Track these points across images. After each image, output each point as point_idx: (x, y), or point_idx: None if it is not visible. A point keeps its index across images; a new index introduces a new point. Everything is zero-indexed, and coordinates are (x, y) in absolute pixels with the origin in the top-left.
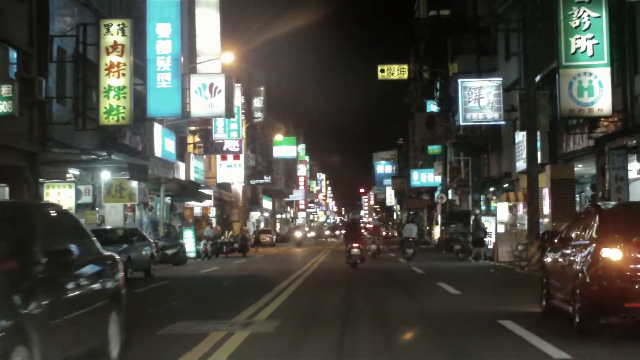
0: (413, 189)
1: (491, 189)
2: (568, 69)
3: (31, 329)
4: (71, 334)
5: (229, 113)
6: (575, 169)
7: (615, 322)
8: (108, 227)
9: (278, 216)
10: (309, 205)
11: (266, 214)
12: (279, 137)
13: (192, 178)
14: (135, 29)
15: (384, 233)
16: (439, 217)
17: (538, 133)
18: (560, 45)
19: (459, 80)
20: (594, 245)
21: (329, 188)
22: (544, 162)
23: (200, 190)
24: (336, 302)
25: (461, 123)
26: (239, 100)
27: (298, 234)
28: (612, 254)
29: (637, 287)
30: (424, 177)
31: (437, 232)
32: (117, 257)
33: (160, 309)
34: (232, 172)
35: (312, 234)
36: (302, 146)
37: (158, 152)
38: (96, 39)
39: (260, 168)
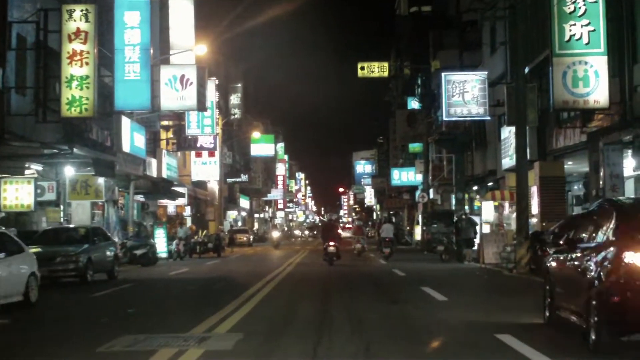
0: (393, 188)
1: (475, 188)
2: (562, 58)
3: None
4: None
5: (201, 106)
6: (565, 166)
7: None
8: (70, 226)
9: (256, 215)
10: (288, 204)
11: (244, 213)
12: (256, 134)
13: (164, 175)
14: (103, 17)
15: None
16: (420, 216)
17: (527, 128)
18: (554, 32)
19: (443, 74)
20: (614, 248)
21: (309, 188)
22: (533, 159)
23: (173, 188)
24: (310, 309)
25: (445, 118)
26: (213, 94)
27: (275, 234)
28: (638, 258)
29: None
30: (405, 176)
31: (418, 232)
32: None
33: (112, 317)
34: (207, 170)
35: (291, 233)
36: (280, 145)
37: (126, 147)
38: (58, 26)
39: (237, 166)
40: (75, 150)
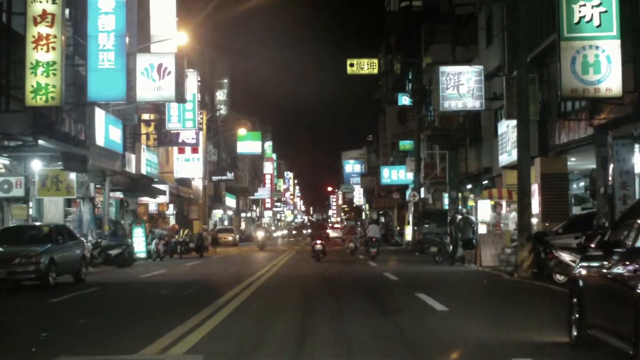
0: (383, 187)
1: (468, 186)
2: (570, 42)
3: None
4: None
5: (180, 97)
6: (568, 163)
7: None
8: (33, 224)
9: (243, 215)
10: (276, 204)
11: (230, 213)
12: (242, 131)
13: (143, 171)
14: (78, 1)
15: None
16: (411, 216)
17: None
18: (562, 14)
19: (438, 66)
20: None
21: (297, 187)
22: (533, 155)
23: (154, 185)
24: (289, 323)
25: (440, 109)
26: (195, 87)
27: (260, 234)
28: None
29: None
30: (395, 175)
31: (408, 232)
32: None
33: (58, 330)
34: (190, 167)
35: (279, 233)
36: (268, 143)
37: (100, 141)
38: (23, 8)
39: (224, 164)
40: (41, 142)
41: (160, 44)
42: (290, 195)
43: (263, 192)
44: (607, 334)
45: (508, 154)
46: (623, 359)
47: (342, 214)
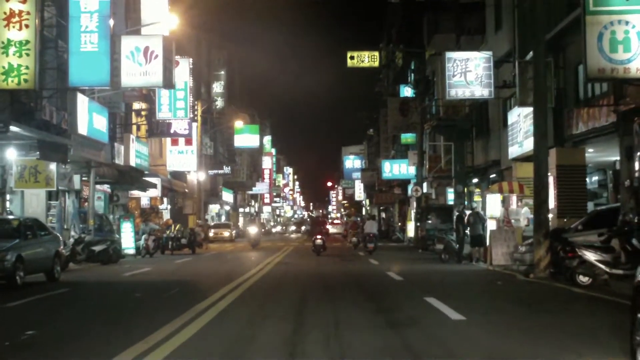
0: (384, 182)
1: (474, 180)
2: (597, 16)
3: None
4: None
5: (168, 83)
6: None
7: None
8: (1, 217)
9: (241, 210)
10: (275, 199)
11: (227, 208)
12: (239, 123)
13: (132, 163)
14: None
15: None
16: (413, 212)
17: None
18: None
19: (444, 52)
20: None
21: (297, 182)
22: (549, 145)
23: (144, 178)
24: (276, 336)
25: (446, 98)
26: (187, 74)
27: (253, 231)
28: None
29: None
30: (397, 169)
31: (410, 228)
32: None
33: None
34: (183, 159)
35: (277, 229)
36: (267, 138)
37: (83, 130)
38: None
39: (221, 158)
40: (13, 128)
41: (150, 30)
42: (290, 190)
43: (261, 187)
44: None
45: (519, 145)
46: None
47: (342, 210)
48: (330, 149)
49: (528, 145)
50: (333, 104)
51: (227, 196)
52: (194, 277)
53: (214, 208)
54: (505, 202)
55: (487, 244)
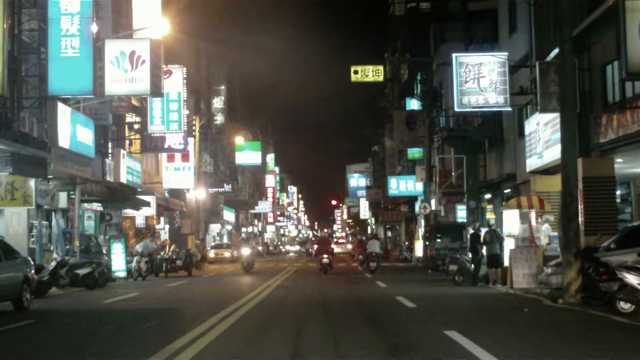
0: (390, 199)
1: (487, 196)
2: (638, 1)
3: None
4: None
5: (156, 90)
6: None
7: None
8: None
9: (244, 229)
10: (279, 218)
11: (229, 227)
12: (239, 139)
13: (123, 180)
14: None
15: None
16: (421, 230)
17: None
18: None
19: (454, 55)
20: None
21: (301, 202)
22: None
23: (137, 196)
24: None
25: (458, 107)
26: (180, 84)
27: (245, 252)
28: None
29: None
30: (403, 185)
31: (418, 247)
32: None
33: None
34: (180, 177)
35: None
36: (271, 156)
37: (64, 142)
38: None
39: (222, 176)
40: None
41: (139, 29)
42: (294, 209)
43: (264, 206)
44: None
45: (538, 156)
46: None
47: (347, 229)
48: (335, 167)
49: (549, 156)
50: (336, 120)
51: (229, 215)
52: (182, 303)
53: (215, 228)
54: (524, 219)
55: (505, 264)
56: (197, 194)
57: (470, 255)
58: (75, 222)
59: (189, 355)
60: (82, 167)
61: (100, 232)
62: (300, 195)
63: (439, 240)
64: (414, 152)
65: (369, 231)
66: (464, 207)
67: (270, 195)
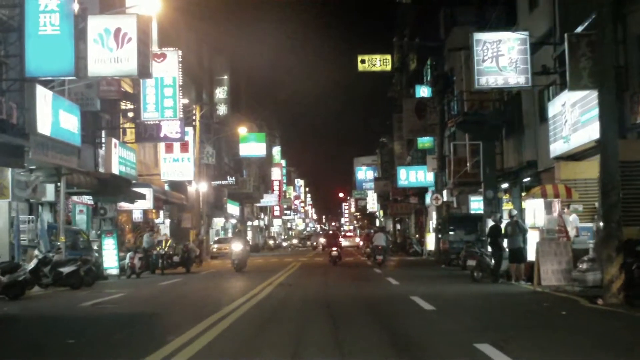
0: (399, 191)
1: (504, 186)
2: None
3: None
4: None
5: (144, 71)
6: None
7: None
8: None
9: (249, 223)
10: (286, 212)
11: (233, 221)
12: (242, 130)
13: (115, 171)
14: None
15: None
16: (432, 222)
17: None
18: None
19: (472, 34)
20: None
21: (309, 195)
22: None
23: (132, 189)
24: None
25: (475, 87)
26: (175, 69)
27: (237, 248)
28: None
29: None
30: (413, 176)
31: (430, 240)
32: None
33: None
34: (179, 168)
35: (285, 244)
36: (277, 149)
37: (45, 129)
38: None
39: (226, 169)
40: None
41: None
42: (301, 202)
43: (270, 199)
44: None
45: (565, 141)
46: None
47: (355, 222)
48: (342, 159)
49: (577, 139)
50: (343, 111)
51: (233, 209)
52: (171, 305)
53: (218, 221)
54: (549, 209)
55: (529, 259)
56: (199, 187)
57: (489, 249)
58: (61, 216)
59: None
60: (66, 157)
61: (93, 227)
62: (307, 189)
63: (452, 233)
64: (424, 142)
65: (377, 224)
66: (479, 197)
67: (276, 188)
